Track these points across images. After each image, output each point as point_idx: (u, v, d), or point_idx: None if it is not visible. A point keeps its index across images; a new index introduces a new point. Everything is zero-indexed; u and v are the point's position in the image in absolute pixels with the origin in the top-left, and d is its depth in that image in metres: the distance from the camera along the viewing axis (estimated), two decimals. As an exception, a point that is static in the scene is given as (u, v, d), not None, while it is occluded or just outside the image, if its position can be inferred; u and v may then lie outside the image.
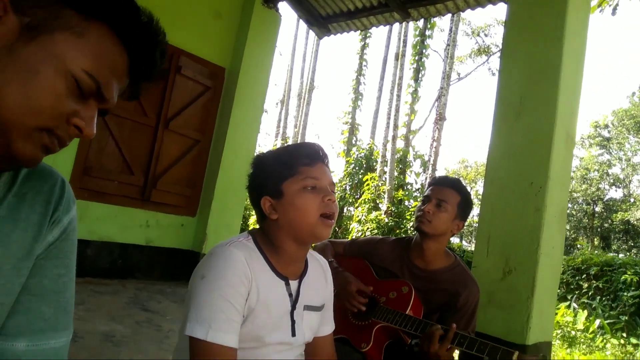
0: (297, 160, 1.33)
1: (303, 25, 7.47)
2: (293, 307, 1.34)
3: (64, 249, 0.84)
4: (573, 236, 28.80)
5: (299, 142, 20.34)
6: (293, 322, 1.34)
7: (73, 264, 0.87)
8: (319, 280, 1.49)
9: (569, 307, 8.32)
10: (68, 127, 0.71)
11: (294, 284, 1.36)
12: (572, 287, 9.31)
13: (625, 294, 8.21)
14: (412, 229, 12.07)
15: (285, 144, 1.57)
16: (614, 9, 9.18)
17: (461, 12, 6.55)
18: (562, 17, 3.38)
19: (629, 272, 8.50)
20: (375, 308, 2.08)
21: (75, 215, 0.88)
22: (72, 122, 0.71)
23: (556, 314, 6.18)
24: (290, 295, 1.34)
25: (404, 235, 2.51)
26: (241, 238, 1.34)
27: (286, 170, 1.32)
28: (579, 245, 23.09)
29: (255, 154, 1.46)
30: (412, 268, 2.17)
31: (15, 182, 0.78)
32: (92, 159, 4.84)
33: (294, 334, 1.34)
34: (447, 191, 2.12)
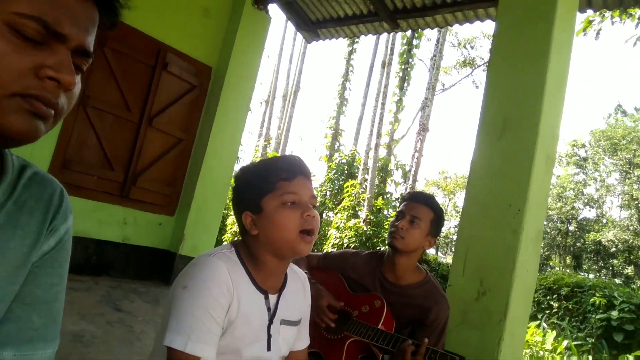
0: (275, 175, 1.33)
1: (291, 26, 7.45)
2: (270, 321, 1.35)
3: (58, 258, 0.84)
4: (546, 254, 29.26)
5: (274, 148, 20.30)
6: (269, 336, 1.34)
7: (66, 273, 0.86)
8: (298, 294, 1.49)
9: (538, 326, 8.44)
10: (42, 83, 0.64)
11: (272, 297, 1.37)
12: (542, 306, 9.45)
13: (594, 316, 8.36)
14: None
15: (266, 158, 1.58)
16: (597, 33, 9.37)
17: (449, 27, 6.62)
18: (547, 38, 3.43)
19: (597, 295, 8.66)
20: (348, 322, 2.09)
21: (71, 225, 0.88)
22: (41, 74, 0.63)
23: (526, 332, 6.26)
24: (268, 309, 1.35)
25: (379, 247, 2.53)
26: (224, 249, 1.34)
27: (265, 185, 1.32)
28: (551, 264, 23.46)
29: (235, 161, 1.44)
30: (384, 282, 2.20)
31: (16, 189, 0.76)
32: (72, 152, 4.76)
33: (269, 349, 1.34)
34: (421, 208, 2.15)
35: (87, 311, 3.67)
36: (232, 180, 1.46)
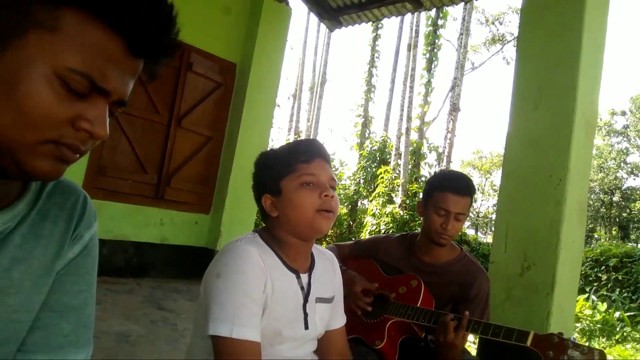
0: (294, 158, 1.35)
1: (314, 17, 7.41)
2: (305, 300, 1.36)
3: (84, 265, 0.84)
4: (591, 226, 28.48)
5: (306, 137, 20.38)
6: (306, 315, 1.35)
7: (94, 279, 0.86)
8: (328, 272, 1.51)
9: (587, 299, 8.21)
10: (76, 132, 0.65)
11: (304, 277, 1.38)
12: (590, 279, 9.19)
13: (647, 286, 8.08)
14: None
15: (288, 142, 1.66)
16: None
17: (474, 0, 6.45)
18: (581, 1, 3.28)
19: (650, 263, 8.37)
20: (386, 304, 2.07)
21: (96, 231, 0.88)
22: (77, 126, 0.64)
23: (576, 306, 6.10)
24: (302, 288, 1.36)
25: (408, 232, 2.47)
26: (249, 235, 1.35)
27: (284, 168, 1.34)
28: (596, 236, 22.82)
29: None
30: (419, 264, 2.15)
31: (39, 199, 0.77)
32: (106, 159, 4.85)
33: (307, 327, 1.35)
34: (465, 202, 2.05)
35: (131, 312, 3.74)
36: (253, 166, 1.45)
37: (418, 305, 1.97)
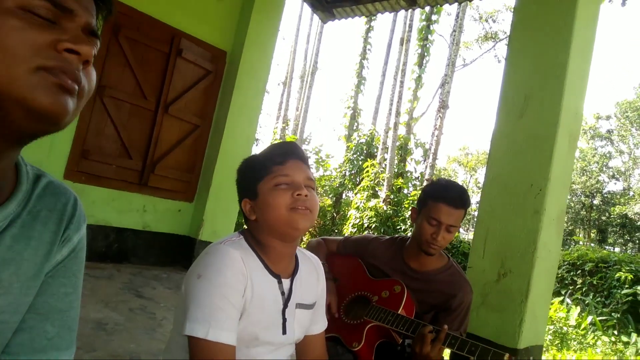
0: (269, 160, 1.38)
1: (307, 7, 7.36)
2: (285, 305, 1.37)
3: (72, 267, 0.84)
4: (570, 228, 28.89)
5: (293, 129, 20.27)
6: (284, 320, 1.36)
7: (80, 282, 0.87)
8: (311, 278, 1.51)
9: (562, 302, 8.36)
10: (61, 55, 0.66)
11: (286, 282, 1.39)
12: (566, 282, 9.35)
13: (619, 291, 8.24)
14: (409, 218, 12.09)
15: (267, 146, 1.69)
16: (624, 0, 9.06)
17: (470, 0, 6.46)
18: (572, 9, 3.31)
19: (623, 270, 8.53)
20: (367, 307, 2.08)
21: (85, 234, 0.88)
22: (59, 48, 0.66)
23: (548, 313, 6.22)
24: (282, 293, 1.37)
25: (400, 227, 2.48)
26: (234, 237, 1.37)
27: (260, 172, 1.37)
28: (575, 239, 23.16)
29: (252, 145, 1.50)
30: (406, 269, 2.17)
31: (30, 199, 0.77)
32: (90, 142, 4.79)
33: (284, 332, 1.36)
34: (458, 214, 2.03)
35: (109, 299, 3.73)
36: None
37: (399, 311, 1.98)
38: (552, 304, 7.49)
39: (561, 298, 8.52)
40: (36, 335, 0.77)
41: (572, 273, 9.38)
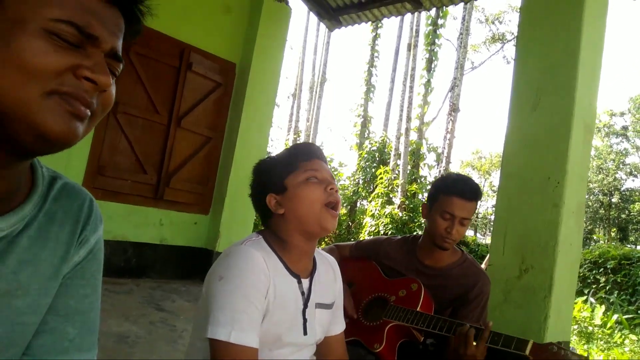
0: (296, 157, 1.39)
1: (314, 17, 7.41)
2: (305, 305, 1.36)
3: (90, 268, 0.84)
4: (589, 228, 28.48)
5: (304, 140, 20.40)
6: (305, 320, 1.35)
7: (99, 283, 0.87)
8: (329, 277, 1.51)
9: (586, 302, 8.21)
10: (78, 81, 0.66)
11: (305, 282, 1.38)
12: (589, 281, 9.19)
13: (644, 288, 8.09)
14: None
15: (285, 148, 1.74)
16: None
17: (475, 0, 6.45)
18: (580, 3, 3.29)
19: (647, 266, 8.38)
20: (386, 307, 2.07)
21: (102, 234, 0.88)
22: (78, 74, 0.65)
23: (573, 308, 6.11)
24: (302, 293, 1.36)
25: (416, 232, 2.47)
26: (253, 237, 1.36)
27: (287, 167, 1.38)
28: (595, 238, 22.82)
29: (265, 155, 1.52)
30: (421, 267, 2.15)
31: (46, 201, 0.77)
32: (106, 158, 4.85)
33: (305, 333, 1.35)
34: (471, 207, 2.04)
35: (130, 313, 3.74)
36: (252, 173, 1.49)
37: (418, 309, 1.96)
38: (575, 303, 7.37)
39: (584, 297, 8.37)
40: (58, 337, 0.78)
41: (594, 272, 9.21)
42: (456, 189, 2.04)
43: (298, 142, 20.82)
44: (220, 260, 1.27)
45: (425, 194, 13.78)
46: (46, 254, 0.75)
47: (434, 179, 15.04)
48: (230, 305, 1.16)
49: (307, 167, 1.36)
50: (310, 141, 20.29)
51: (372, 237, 2.74)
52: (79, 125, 0.66)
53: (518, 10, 3.80)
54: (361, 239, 2.63)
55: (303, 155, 1.40)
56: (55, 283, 0.77)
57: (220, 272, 1.22)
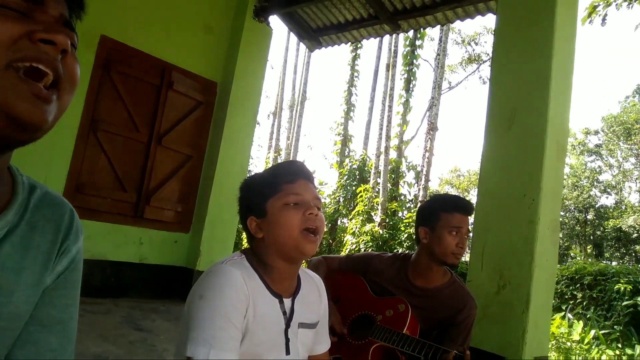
0: (279, 179, 1.37)
1: (294, 37, 7.49)
2: (287, 325, 1.35)
3: (71, 279, 0.84)
4: (566, 244, 28.84)
5: (285, 158, 20.41)
6: (287, 340, 1.34)
7: (78, 292, 0.87)
8: (313, 297, 1.49)
9: (563, 317, 8.30)
10: (36, 45, 0.63)
11: (287, 302, 1.37)
12: (566, 297, 9.29)
13: (619, 303, 8.21)
14: (406, 240, 12.08)
15: (271, 165, 1.70)
16: (603, 19, 9.29)
17: (450, 24, 6.61)
18: (550, 29, 3.41)
19: (622, 281, 8.50)
20: (372, 326, 2.07)
21: (82, 245, 0.88)
22: (33, 38, 0.63)
23: (551, 324, 6.18)
24: (284, 313, 1.35)
25: (397, 250, 2.50)
26: (235, 257, 1.35)
27: (269, 189, 1.37)
28: (572, 254, 23.12)
29: (246, 174, 1.51)
30: (410, 287, 2.16)
31: (27, 210, 0.77)
32: (85, 176, 4.81)
33: (288, 352, 1.34)
34: (469, 220, 2.15)
35: (108, 333, 3.69)
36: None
37: (404, 331, 1.98)
38: (553, 319, 7.46)
39: (562, 313, 8.47)
40: (41, 347, 0.78)
41: (571, 287, 9.33)
42: (457, 206, 2.13)
43: (279, 160, 20.84)
44: (201, 279, 1.27)
45: (405, 212, 13.87)
46: (28, 262, 0.75)
47: (413, 197, 15.16)
48: (209, 324, 1.16)
49: (289, 190, 1.35)
50: (290, 158, 20.31)
51: (362, 252, 2.76)
52: (45, 107, 0.65)
53: (493, 32, 3.92)
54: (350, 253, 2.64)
55: (287, 176, 1.38)
56: (37, 291, 0.77)
57: (201, 291, 1.22)
